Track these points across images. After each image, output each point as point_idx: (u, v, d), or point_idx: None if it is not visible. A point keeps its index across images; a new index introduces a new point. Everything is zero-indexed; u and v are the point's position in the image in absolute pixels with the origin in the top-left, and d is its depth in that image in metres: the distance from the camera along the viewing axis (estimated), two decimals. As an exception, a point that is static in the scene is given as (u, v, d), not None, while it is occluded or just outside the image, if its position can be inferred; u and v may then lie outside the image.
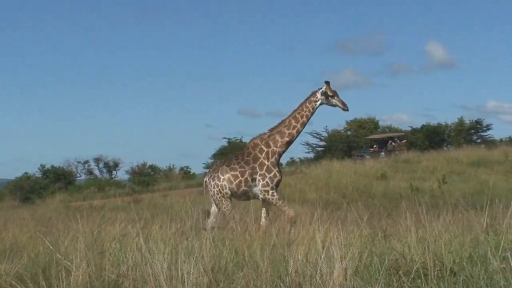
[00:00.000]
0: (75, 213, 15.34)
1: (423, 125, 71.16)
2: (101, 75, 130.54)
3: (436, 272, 6.24)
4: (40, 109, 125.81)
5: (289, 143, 12.61)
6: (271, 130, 12.64)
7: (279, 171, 12.54)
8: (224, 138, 72.36)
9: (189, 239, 8.00)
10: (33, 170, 71.63)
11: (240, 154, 12.78)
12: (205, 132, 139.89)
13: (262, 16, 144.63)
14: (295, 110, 12.60)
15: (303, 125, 12.60)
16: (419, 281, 6.18)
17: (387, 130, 71.65)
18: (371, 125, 72.68)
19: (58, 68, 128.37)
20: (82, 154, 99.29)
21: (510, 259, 5.94)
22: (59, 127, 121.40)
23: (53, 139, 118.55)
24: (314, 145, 70.91)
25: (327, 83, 12.44)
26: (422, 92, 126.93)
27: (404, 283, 6.13)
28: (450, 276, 6.22)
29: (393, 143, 59.50)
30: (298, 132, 12.63)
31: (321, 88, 12.52)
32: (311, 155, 70.32)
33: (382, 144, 60.40)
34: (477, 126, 71.78)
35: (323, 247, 6.73)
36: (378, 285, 6.09)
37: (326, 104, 12.53)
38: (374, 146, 61.26)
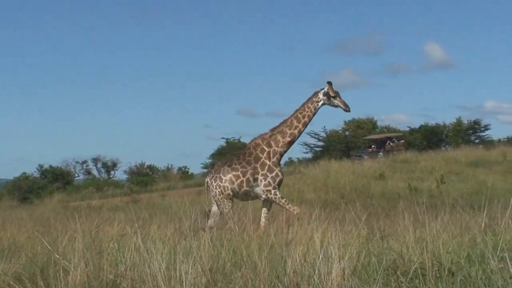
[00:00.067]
0: (73, 213, 15.34)
1: (421, 125, 71.25)
2: (99, 75, 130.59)
3: (434, 272, 6.25)
4: (38, 109, 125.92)
5: (290, 143, 12.62)
6: (273, 130, 12.64)
7: (281, 171, 12.55)
8: (223, 138, 72.52)
9: (187, 239, 8.00)
10: (31, 170, 71.70)
11: (241, 154, 12.79)
12: (204, 132, 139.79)
13: (261, 16, 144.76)
14: (297, 110, 12.61)
15: (305, 125, 12.61)
16: (417, 281, 6.19)
17: (385, 130, 71.71)
18: (369, 125, 72.73)
19: (56, 68, 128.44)
20: (80, 154, 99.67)
21: (508, 259, 5.94)
22: (57, 127, 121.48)
23: (51, 139, 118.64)
24: (312, 145, 71.03)
25: (329, 83, 12.45)
26: (420, 92, 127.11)
27: (402, 283, 6.13)
28: (448, 276, 6.22)
29: (391, 143, 59.53)
30: (300, 132, 12.63)
31: (323, 89, 12.53)
32: (309, 155, 70.46)
33: (380, 144, 60.42)
34: (475, 126, 71.86)
35: (321, 247, 6.73)
36: (376, 285, 6.09)
37: (328, 104, 12.54)
38: (372, 146, 61.26)
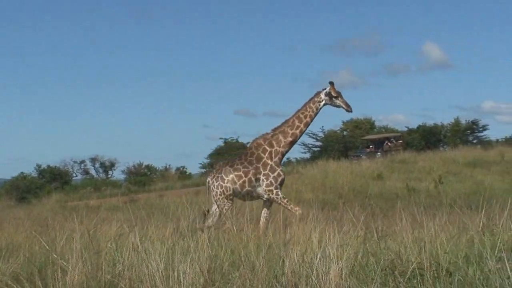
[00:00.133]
0: (71, 213, 15.33)
1: (419, 126, 71.24)
2: (98, 75, 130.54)
3: (432, 272, 6.25)
4: (36, 109, 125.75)
5: (292, 143, 12.61)
6: (274, 130, 12.63)
7: (282, 171, 12.55)
8: (221, 138, 72.48)
9: (185, 239, 8.00)
10: (29, 169, 71.74)
11: (243, 154, 12.78)
12: (202, 132, 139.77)
13: (260, 16, 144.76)
14: (298, 110, 12.60)
15: (307, 125, 12.60)
16: (415, 281, 6.19)
17: (383, 130, 71.67)
18: (367, 125, 72.68)
19: (55, 68, 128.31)
20: (78, 154, 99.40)
21: (506, 260, 5.95)
22: (55, 127, 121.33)
23: (49, 138, 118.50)
24: (310, 145, 70.93)
25: (331, 83, 12.45)
26: (419, 93, 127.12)
27: (400, 283, 6.14)
28: (446, 276, 6.22)
29: (389, 144, 59.51)
30: (302, 132, 12.63)
31: (325, 89, 12.52)
32: (307, 155, 70.36)
33: (379, 144, 60.41)
34: (473, 127, 71.86)
35: (319, 247, 6.73)
36: (374, 285, 6.09)
37: (330, 104, 12.53)
38: (371, 146, 61.26)
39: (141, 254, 6.98)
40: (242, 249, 7.34)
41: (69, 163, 71.76)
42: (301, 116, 12.53)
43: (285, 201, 12.21)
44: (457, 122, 71.69)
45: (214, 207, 12.36)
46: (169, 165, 71.01)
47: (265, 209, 12.36)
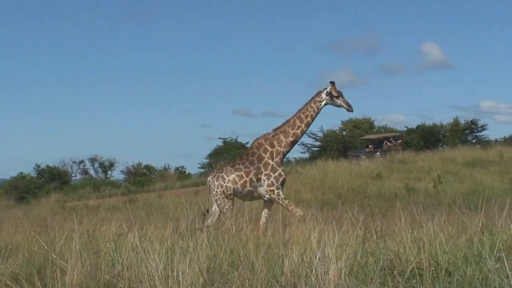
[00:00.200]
0: (70, 213, 15.32)
1: (419, 125, 71.27)
2: (97, 75, 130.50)
3: (431, 272, 6.25)
4: (35, 109, 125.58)
5: (293, 143, 12.61)
6: (275, 130, 12.63)
7: (284, 171, 12.54)
8: (220, 138, 72.49)
9: (184, 239, 8.00)
10: (28, 169, 71.68)
11: (244, 154, 12.78)
12: (201, 132, 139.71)
13: (259, 16, 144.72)
14: (299, 110, 12.59)
15: (308, 125, 12.60)
16: (414, 281, 6.19)
17: (382, 130, 71.69)
18: (367, 125, 72.69)
19: (53, 68, 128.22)
20: (78, 154, 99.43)
21: (505, 259, 5.95)
22: (54, 127, 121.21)
23: (48, 138, 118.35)
24: (309, 145, 70.92)
25: (332, 83, 12.44)
26: (417, 92, 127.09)
27: (399, 283, 6.14)
28: (445, 276, 6.23)
29: (389, 143, 59.51)
30: (303, 132, 12.63)
31: (326, 88, 12.51)
32: (306, 155, 70.35)
33: (378, 144, 60.40)
34: (472, 126, 71.90)
35: (318, 247, 6.73)
36: (373, 285, 6.10)
37: (331, 104, 12.53)
38: (370, 146, 61.25)
39: (140, 254, 6.98)
40: (241, 249, 7.34)
41: (68, 163, 71.79)
42: (302, 116, 12.52)
43: (286, 202, 12.20)
44: (456, 122, 71.75)
45: (214, 206, 12.35)
46: (168, 165, 71.07)
47: (265, 209, 12.35)
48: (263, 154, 12.38)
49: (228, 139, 70.96)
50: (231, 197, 12.24)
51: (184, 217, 9.55)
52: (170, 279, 6.36)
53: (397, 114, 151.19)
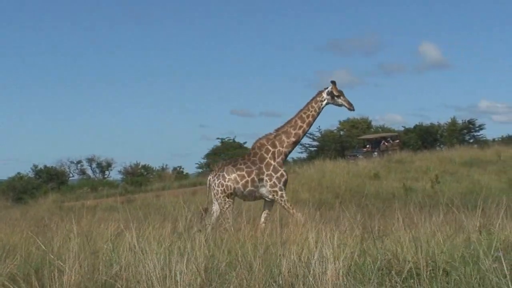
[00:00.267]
0: (68, 213, 15.30)
1: (416, 125, 71.43)
2: (95, 76, 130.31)
3: (428, 272, 6.26)
4: (33, 109, 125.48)
5: (295, 144, 12.61)
6: (277, 130, 12.62)
7: (286, 171, 12.53)
8: (218, 138, 72.58)
9: (182, 239, 7.99)
10: (26, 170, 71.69)
11: (246, 155, 12.79)
12: (199, 132, 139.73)
13: (257, 16, 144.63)
14: (301, 110, 12.58)
15: (309, 125, 12.59)
16: (412, 281, 6.20)
17: (380, 130, 71.81)
18: (364, 125, 72.82)
19: (52, 69, 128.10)
20: (75, 154, 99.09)
21: (503, 259, 5.95)
22: (52, 127, 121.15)
23: (46, 139, 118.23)
24: (307, 145, 71.05)
25: (333, 82, 12.43)
26: (415, 92, 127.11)
27: (396, 283, 6.14)
28: (443, 275, 6.23)
29: (386, 143, 59.58)
30: (304, 132, 12.62)
31: (327, 88, 12.50)
32: (304, 155, 70.49)
33: (375, 144, 60.48)
34: (470, 126, 72.07)
35: (316, 247, 6.74)
36: (371, 285, 6.10)
37: (332, 104, 12.52)
38: (367, 146, 61.33)
39: (138, 255, 6.98)
40: (239, 249, 7.34)
41: (66, 163, 71.90)
42: (304, 116, 12.51)
43: (288, 204, 12.13)
44: (453, 121, 71.92)
45: (215, 206, 12.34)
46: (166, 165, 71.29)
47: (266, 210, 12.32)
48: (265, 155, 12.36)
49: (226, 139, 71.15)
50: (232, 196, 12.23)
51: (182, 217, 9.54)
52: (168, 279, 6.36)
53: (394, 114, 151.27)
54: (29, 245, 9.34)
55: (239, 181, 12.19)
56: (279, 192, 12.15)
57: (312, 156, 62.79)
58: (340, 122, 73.10)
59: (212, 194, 12.40)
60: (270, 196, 12.20)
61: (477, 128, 72.42)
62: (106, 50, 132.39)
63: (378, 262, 6.54)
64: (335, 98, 12.42)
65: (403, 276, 6.22)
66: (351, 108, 12.52)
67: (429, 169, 39.80)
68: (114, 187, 54.27)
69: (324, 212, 13.48)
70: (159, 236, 8.62)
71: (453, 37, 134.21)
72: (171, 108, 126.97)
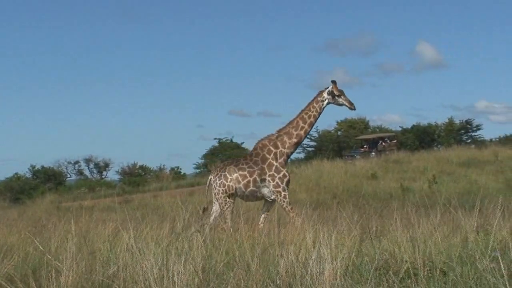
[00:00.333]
0: (65, 214, 15.29)
1: (414, 125, 71.53)
2: (92, 76, 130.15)
3: (426, 272, 6.27)
4: (30, 109, 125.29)
5: (297, 144, 12.59)
6: (279, 131, 12.60)
7: (288, 171, 12.50)
8: (215, 138, 72.58)
9: (179, 239, 7.99)
10: (23, 170, 71.54)
11: (248, 155, 12.77)
12: (197, 132, 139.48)
13: (254, 16, 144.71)
14: (302, 111, 12.56)
15: (311, 125, 12.56)
16: (409, 281, 6.21)
17: (377, 130, 71.91)
18: (362, 125, 72.90)
19: (49, 69, 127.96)
20: (73, 154, 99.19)
21: (500, 259, 5.96)
22: (49, 128, 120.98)
23: (43, 139, 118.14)
24: (304, 145, 71.02)
25: (334, 82, 12.42)
26: (412, 92, 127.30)
27: (394, 283, 6.15)
28: (440, 275, 6.24)
29: (384, 143, 59.65)
30: (306, 133, 12.60)
31: (327, 88, 12.49)
32: (302, 155, 70.53)
33: (373, 144, 60.55)
34: (467, 126, 72.16)
35: (313, 247, 6.74)
36: (368, 285, 6.10)
37: (333, 103, 12.49)
38: (365, 146, 61.39)
39: (136, 255, 6.97)
40: (236, 249, 7.34)
41: (63, 164, 71.85)
42: (305, 116, 12.49)
43: (289, 207, 12.06)
44: (451, 121, 72.02)
45: (215, 206, 12.32)
46: (163, 165, 71.20)
47: (266, 210, 12.29)
48: (267, 155, 12.35)
49: (224, 140, 71.17)
50: (233, 196, 12.21)
51: (180, 218, 9.54)
52: (165, 280, 6.36)
53: (392, 114, 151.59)
54: (27, 246, 9.33)
55: (241, 181, 12.17)
56: (282, 193, 12.13)
57: (310, 156, 62.85)
58: (337, 122, 73.29)
59: (213, 194, 12.38)
60: (273, 197, 12.17)
61: (475, 128, 72.56)
62: (104, 50, 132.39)
63: (376, 262, 6.54)
64: (336, 97, 12.40)
65: (401, 276, 6.22)
66: (352, 107, 12.50)
67: (426, 169, 39.83)
68: (111, 188, 54.27)
69: (322, 212, 13.51)
70: (157, 236, 8.62)
71: (450, 37, 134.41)
72: (168, 108, 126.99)
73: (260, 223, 11.84)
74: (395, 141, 61.50)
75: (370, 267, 6.51)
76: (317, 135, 70.53)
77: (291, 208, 12.09)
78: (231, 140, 71.17)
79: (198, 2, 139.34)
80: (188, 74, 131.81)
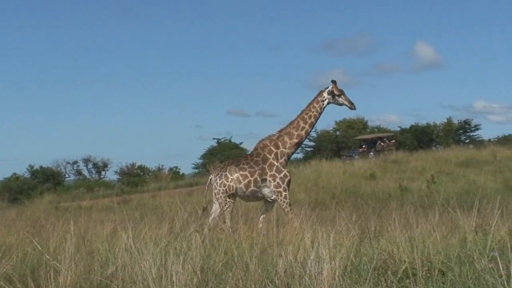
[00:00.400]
0: (64, 214, 15.28)
1: (412, 125, 71.57)
2: (91, 76, 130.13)
3: (424, 272, 6.27)
4: (28, 109, 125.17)
5: (298, 144, 12.58)
6: (280, 131, 12.59)
7: (289, 172, 12.49)
8: (214, 138, 72.59)
9: (178, 239, 7.99)
10: (22, 170, 71.53)
11: (249, 155, 12.76)
12: (195, 132, 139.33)
13: (252, 17, 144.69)
14: (303, 111, 12.55)
15: (312, 125, 12.56)
16: (408, 281, 6.21)
17: (376, 130, 71.94)
18: (360, 125, 72.94)
19: (48, 69, 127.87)
20: (71, 154, 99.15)
21: (498, 259, 5.97)
22: (48, 127, 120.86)
23: (42, 139, 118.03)
24: (303, 145, 70.97)
25: (334, 82, 12.41)
26: (411, 92, 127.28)
27: (392, 283, 6.15)
28: (439, 275, 6.24)
29: (382, 143, 59.66)
30: (307, 133, 12.60)
31: (327, 88, 12.48)
32: (300, 155, 70.53)
33: (371, 144, 60.56)
34: (466, 126, 72.21)
35: (312, 247, 6.74)
36: (367, 285, 6.11)
37: (333, 103, 12.49)
38: (363, 146, 61.41)
39: (134, 255, 6.97)
40: (235, 249, 7.34)
41: (62, 164, 71.81)
42: (306, 116, 12.49)
43: (289, 208, 12.04)
44: (449, 121, 72.07)
45: (215, 206, 12.32)
46: (162, 165, 71.15)
47: (265, 211, 12.28)
48: (268, 155, 12.34)
49: (222, 140, 71.15)
50: (233, 197, 12.20)
51: (178, 218, 9.53)
52: (164, 280, 6.36)
53: (390, 114, 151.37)
54: (25, 246, 9.33)
55: (242, 180, 12.17)
56: (283, 193, 12.11)
57: (308, 156, 62.88)
58: (336, 122, 73.32)
59: (213, 194, 12.38)
60: (273, 197, 12.16)
61: (473, 128, 72.62)
62: (103, 50, 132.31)
63: (374, 262, 6.54)
64: (336, 97, 12.40)
65: (399, 276, 6.22)
66: (352, 107, 12.50)
67: (425, 169, 39.81)
68: (110, 188, 54.24)
69: (320, 212, 13.50)
70: (155, 236, 8.62)
71: (449, 37, 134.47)
72: (167, 108, 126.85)
73: (259, 223, 11.83)
74: (393, 141, 61.51)
75: (368, 267, 6.52)
76: (315, 135, 70.60)
77: (291, 209, 12.06)
78: (229, 140, 71.21)
79: (198, 2, 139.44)
80: (186, 74, 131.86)
